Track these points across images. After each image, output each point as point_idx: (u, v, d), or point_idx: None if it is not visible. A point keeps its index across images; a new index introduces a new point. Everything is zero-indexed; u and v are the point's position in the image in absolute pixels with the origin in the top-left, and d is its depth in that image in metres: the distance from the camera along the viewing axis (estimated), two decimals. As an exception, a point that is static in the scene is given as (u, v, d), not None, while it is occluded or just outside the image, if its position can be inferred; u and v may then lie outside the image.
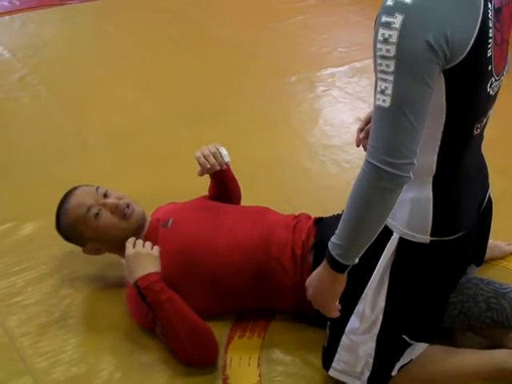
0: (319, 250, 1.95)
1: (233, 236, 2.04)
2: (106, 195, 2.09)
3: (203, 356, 1.92)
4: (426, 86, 1.33)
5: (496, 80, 1.51)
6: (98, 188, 2.11)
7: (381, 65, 1.33)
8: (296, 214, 2.19)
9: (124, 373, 1.92)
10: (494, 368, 1.83)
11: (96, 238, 2.07)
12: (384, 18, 1.30)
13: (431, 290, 1.73)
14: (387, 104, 1.34)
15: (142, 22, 4.55)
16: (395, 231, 1.64)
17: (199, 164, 2.15)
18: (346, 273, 1.54)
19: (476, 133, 1.57)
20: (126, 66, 3.89)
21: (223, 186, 2.30)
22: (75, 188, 2.13)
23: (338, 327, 1.79)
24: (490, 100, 1.55)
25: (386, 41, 1.31)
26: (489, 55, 1.41)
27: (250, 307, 2.08)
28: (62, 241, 2.16)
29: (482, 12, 1.36)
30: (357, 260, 1.52)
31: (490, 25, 1.39)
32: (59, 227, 2.13)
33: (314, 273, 1.62)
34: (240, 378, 1.90)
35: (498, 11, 1.44)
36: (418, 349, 1.77)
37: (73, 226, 2.08)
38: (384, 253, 1.66)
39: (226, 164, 2.19)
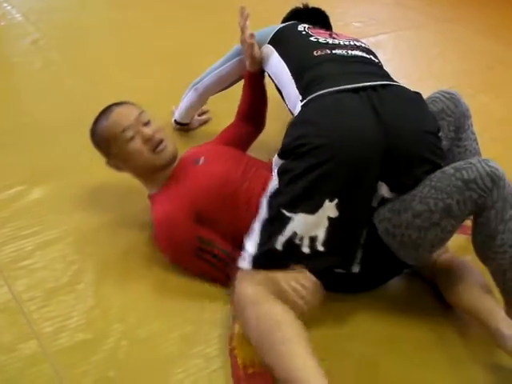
0: None
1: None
2: (145, 124, 2.15)
3: None
4: None
5: (326, 39, 2.23)
6: (141, 113, 2.17)
7: None
8: None
9: (131, 341, 1.90)
10: None
11: (120, 157, 2.15)
12: None
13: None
14: None
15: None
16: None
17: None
18: None
19: (320, 54, 2.10)
20: (140, 32, 3.86)
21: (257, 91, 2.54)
22: (122, 103, 2.22)
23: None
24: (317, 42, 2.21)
25: None
26: (304, 33, 2.31)
27: None
28: (71, 205, 2.15)
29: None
30: None
31: (300, 28, 2.37)
32: (92, 134, 2.22)
33: None
34: (246, 349, 1.87)
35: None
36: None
37: (105, 139, 2.16)
38: None
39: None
